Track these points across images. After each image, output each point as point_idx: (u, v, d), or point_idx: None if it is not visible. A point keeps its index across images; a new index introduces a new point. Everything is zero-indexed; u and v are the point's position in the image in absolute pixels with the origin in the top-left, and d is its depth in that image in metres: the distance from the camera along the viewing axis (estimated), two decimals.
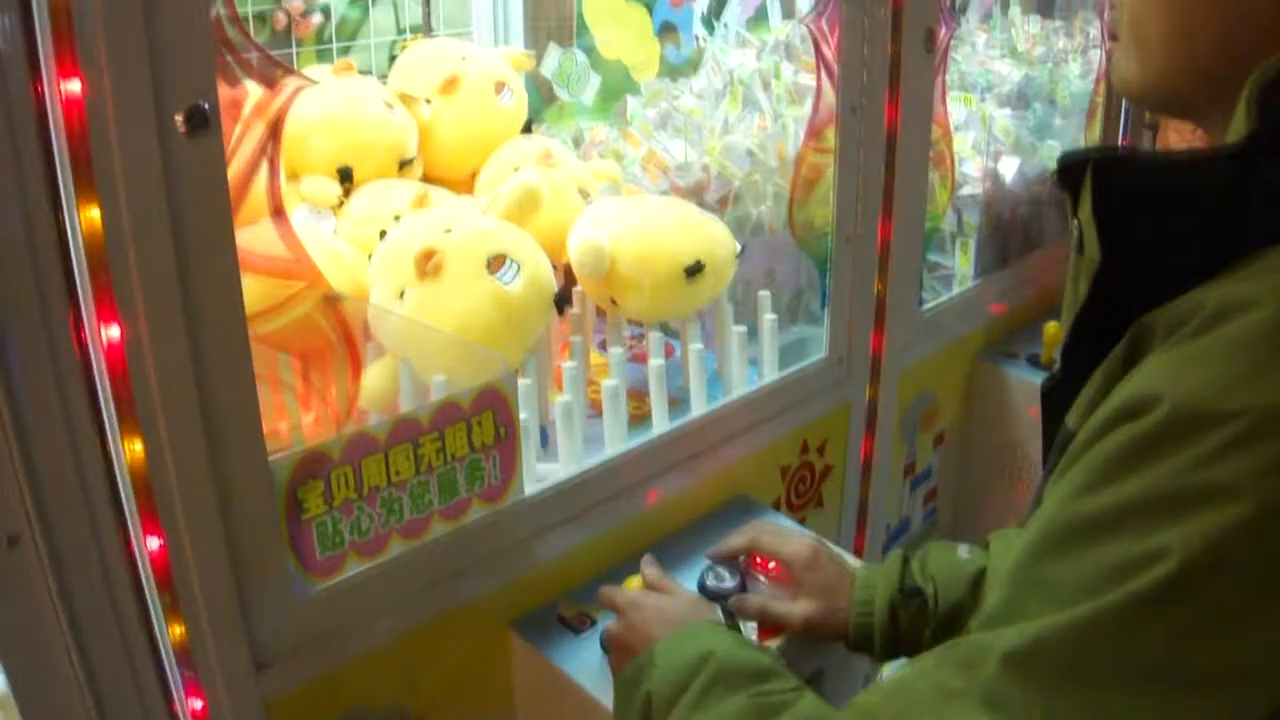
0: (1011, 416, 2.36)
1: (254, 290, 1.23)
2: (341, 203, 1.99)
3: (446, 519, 1.42)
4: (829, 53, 1.82)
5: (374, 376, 1.68)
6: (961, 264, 2.38)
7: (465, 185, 2.18)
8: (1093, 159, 0.87)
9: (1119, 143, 2.82)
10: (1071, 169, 0.89)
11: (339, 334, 1.38)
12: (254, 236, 1.25)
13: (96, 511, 1.13)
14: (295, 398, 1.39)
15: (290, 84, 1.21)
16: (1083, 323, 0.93)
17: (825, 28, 1.81)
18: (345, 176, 1.99)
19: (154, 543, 1.18)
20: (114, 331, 1.10)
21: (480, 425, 1.42)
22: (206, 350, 1.15)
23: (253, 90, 1.22)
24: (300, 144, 1.97)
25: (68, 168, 1.05)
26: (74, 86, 1.03)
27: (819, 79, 1.87)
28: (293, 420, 1.40)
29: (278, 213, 1.27)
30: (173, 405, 1.14)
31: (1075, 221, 0.91)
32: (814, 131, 1.92)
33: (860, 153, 1.88)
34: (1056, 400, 0.97)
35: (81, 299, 1.08)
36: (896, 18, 1.85)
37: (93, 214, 1.06)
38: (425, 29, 2.32)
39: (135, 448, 1.14)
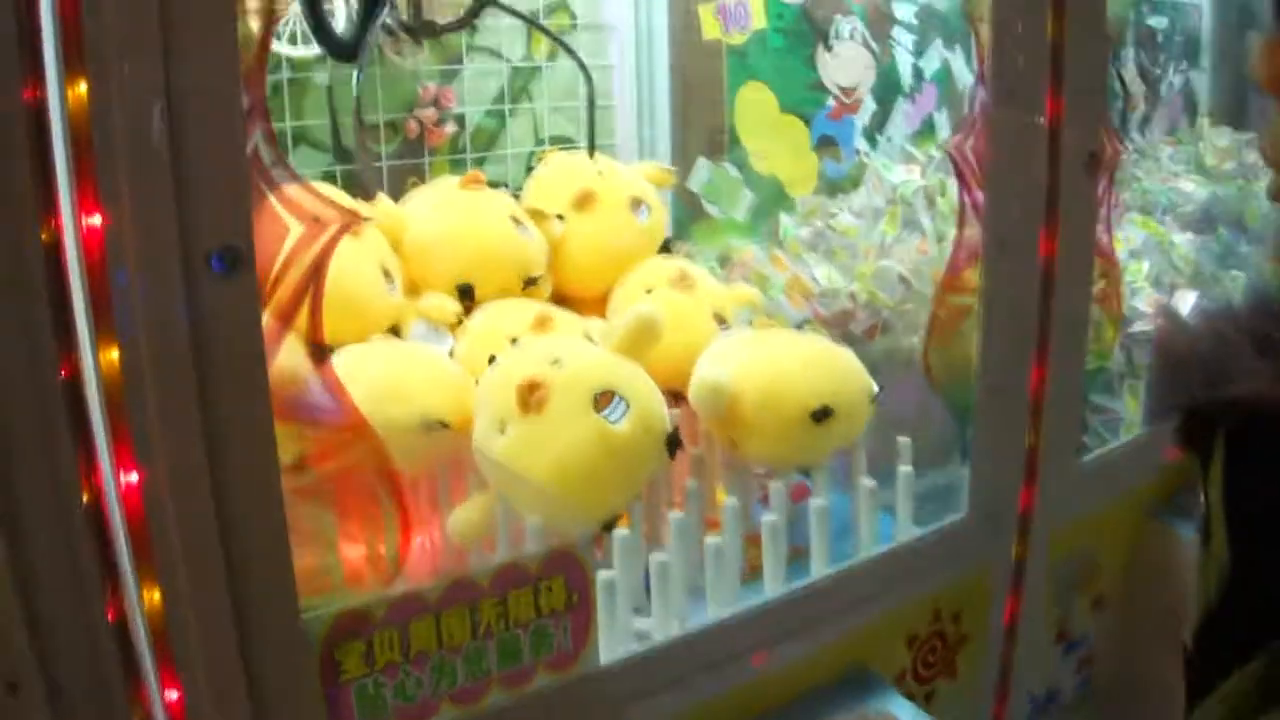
0: (1184, 580, 2.10)
1: (289, 439, 1.14)
2: (461, 321, 1.91)
3: (507, 686, 1.30)
4: (974, 182, 1.66)
5: (471, 511, 1.59)
6: (1130, 408, 2.15)
7: (597, 305, 2.08)
8: (1226, 423, 0.63)
9: None
10: (1197, 428, 0.65)
11: (387, 490, 1.28)
12: (291, 382, 1.16)
13: (104, 661, 1.05)
14: (336, 555, 1.29)
15: (337, 219, 1.12)
16: (1212, 630, 0.70)
17: (969, 153, 1.65)
18: (465, 294, 1.91)
19: (172, 695, 1.09)
20: (132, 477, 1.02)
21: (549, 590, 1.30)
22: (232, 500, 1.06)
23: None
24: (421, 258, 1.92)
25: (86, 306, 0.98)
26: (95, 221, 0.96)
27: (961, 213, 1.71)
28: (334, 577, 1.29)
29: (318, 358, 1.18)
30: (194, 555, 1.05)
31: (1202, 496, 0.67)
32: (955, 270, 1.75)
33: (1009, 294, 1.70)
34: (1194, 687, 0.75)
35: (97, 442, 1.01)
36: (1054, 141, 1.67)
37: (112, 355, 0.99)
38: (590, 148, 2.24)
39: (153, 597, 1.05)
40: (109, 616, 1.04)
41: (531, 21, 2.17)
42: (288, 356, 1.14)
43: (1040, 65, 1.65)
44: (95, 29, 0.92)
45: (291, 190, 1.11)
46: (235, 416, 1.05)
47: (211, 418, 1.03)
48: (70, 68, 0.93)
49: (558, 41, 2.20)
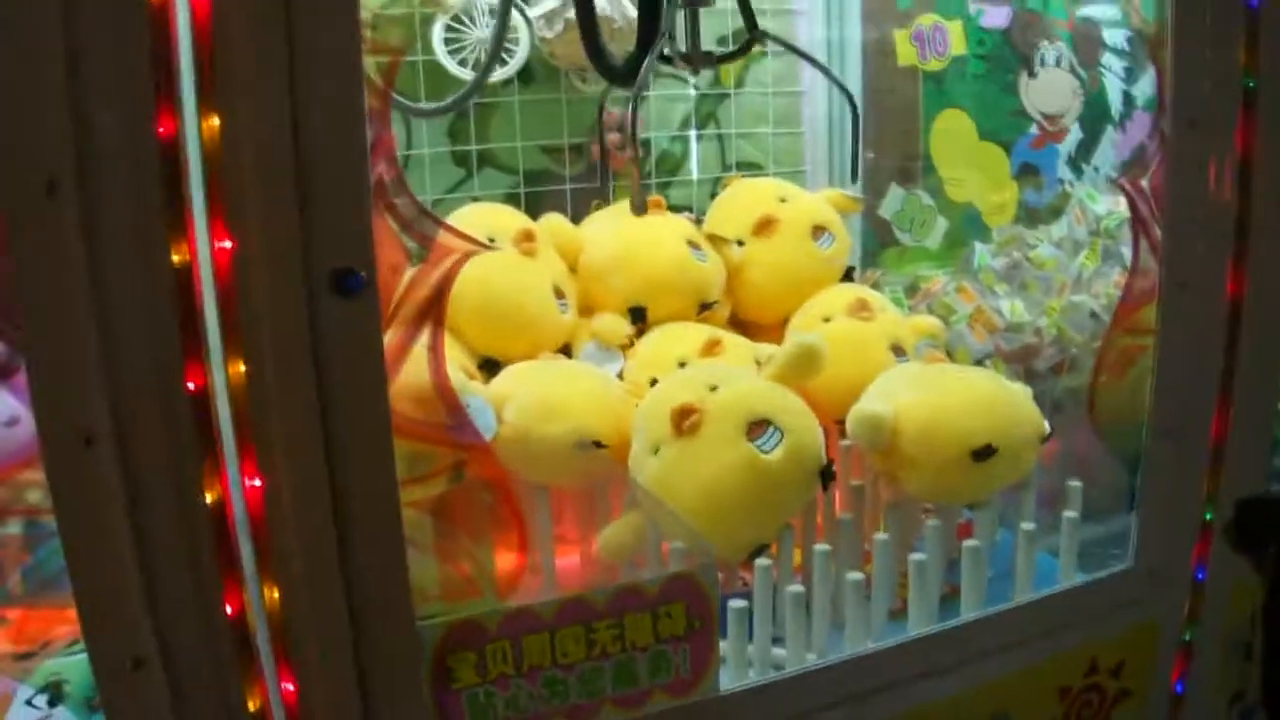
0: None
1: (406, 453, 1.18)
2: (632, 342, 1.94)
3: (621, 707, 1.31)
4: (1151, 218, 1.58)
5: (621, 530, 1.61)
6: None
7: (776, 332, 2.08)
8: None
9: None
10: (1252, 527, 0.60)
11: (506, 510, 1.31)
12: (413, 398, 1.20)
13: (222, 649, 1.12)
14: (457, 569, 1.33)
15: (458, 249, 1.16)
16: None
17: (1147, 188, 1.57)
18: (638, 316, 1.94)
19: (288, 687, 1.16)
20: (255, 483, 1.10)
21: (669, 615, 1.31)
22: (350, 508, 1.12)
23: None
24: (596, 279, 1.96)
25: (218, 323, 1.05)
26: (224, 244, 1.03)
27: (1136, 250, 1.63)
28: (455, 587, 1.33)
29: (439, 377, 1.22)
30: (312, 558, 1.12)
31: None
32: (1128, 311, 1.67)
33: (1189, 337, 1.61)
34: None
35: (224, 448, 1.08)
36: (1245, 172, 1.57)
37: (239, 369, 1.07)
38: (853, 172, 2.20)
39: (273, 595, 1.13)
40: (228, 609, 1.10)
41: (801, 53, 2.14)
42: (415, 373, 1.18)
43: (1231, 92, 1.56)
44: (225, 68, 0.98)
45: (416, 218, 1.15)
46: (355, 429, 1.10)
47: (332, 430, 1.09)
48: (204, 103, 1.00)
49: (823, 70, 2.17)
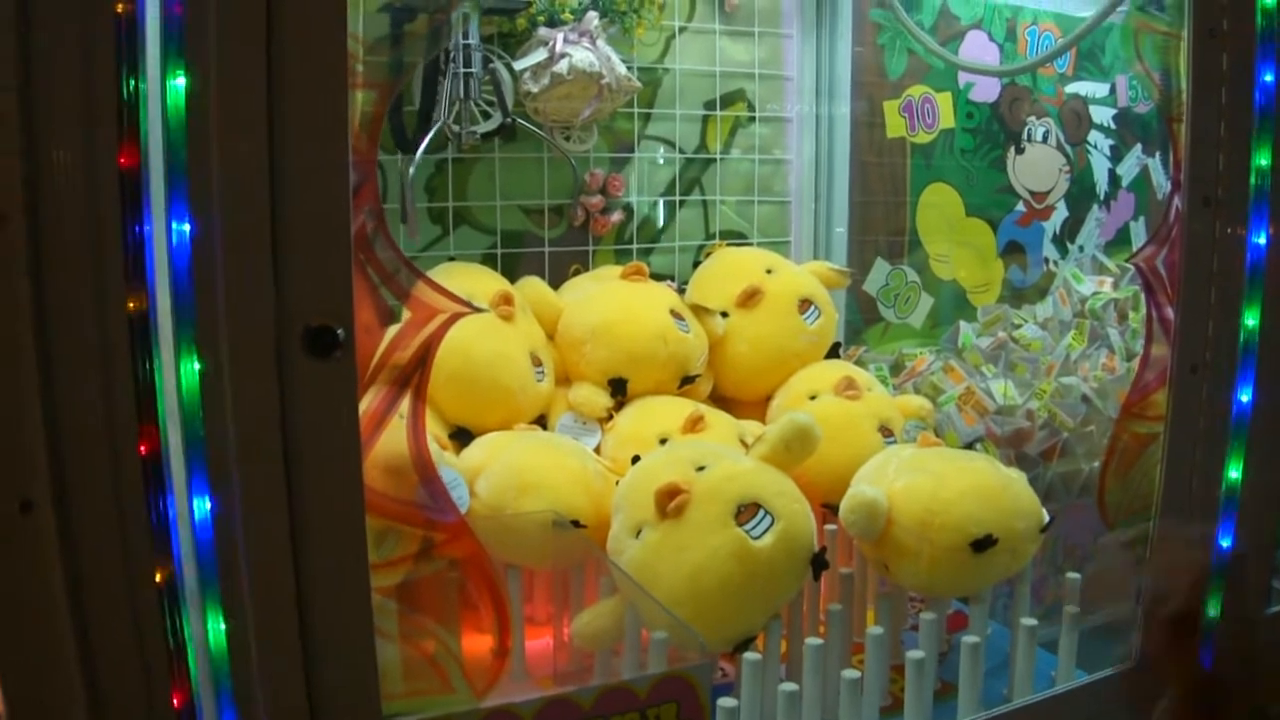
0: None
1: (373, 532, 1.07)
2: (611, 415, 1.84)
3: None
4: (1165, 298, 1.51)
5: (598, 617, 1.50)
6: None
7: (758, 408, 1.99)
8: None
9: None
10: None
11: (486, 599, 1.20)
12: (385, 470, 1.10)
13: None
14: (427, 661, 1.22)
15: (445, 309, 1.06)
16: None
17: (1161, 267, 1.51)
18: (618, 388, 1.85)
19: None
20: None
21: (659, 718, 1.20)
22: (313, 595, 1.01)
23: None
24: (575, 347, 1.87)
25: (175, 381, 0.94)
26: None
27: (1149, 331, 1.56)
28: (426, 683, 1.22)
29: (419, 449, 1.11)
30: (269, 647, 1.00)
31: None
32: (1141, 393, 1.60)
33: (1200, 422, 1.54)
34: None
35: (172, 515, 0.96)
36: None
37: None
38: None
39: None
40: (174, 703, 0.98)
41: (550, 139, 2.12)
42: (389, 444, 1.08)
43: (1244, 169, 1.50)
44: (200, 94, 0.89)
45: (398, 271, 1.06)
46: (324, 503, 0.99)
47: (299, 504, 0.98)
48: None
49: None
